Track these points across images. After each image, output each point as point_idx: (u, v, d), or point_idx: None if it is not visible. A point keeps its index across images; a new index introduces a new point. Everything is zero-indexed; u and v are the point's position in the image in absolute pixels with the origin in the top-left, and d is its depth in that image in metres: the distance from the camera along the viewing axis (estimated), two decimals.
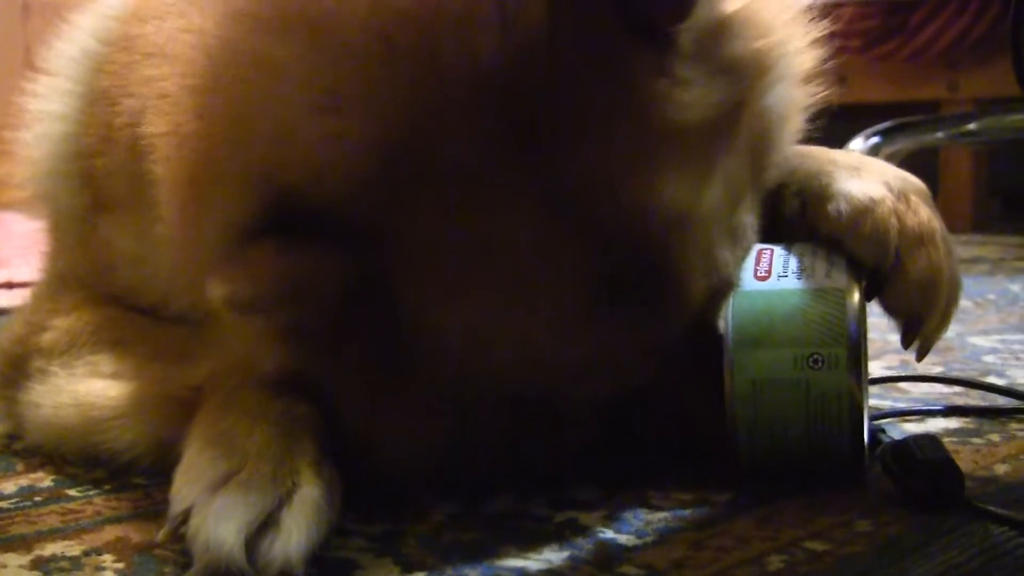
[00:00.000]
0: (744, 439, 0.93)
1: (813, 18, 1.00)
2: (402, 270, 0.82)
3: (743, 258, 0.94)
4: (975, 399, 1.27)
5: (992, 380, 1.36)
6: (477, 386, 0.87)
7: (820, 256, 0.95)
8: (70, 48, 1.17)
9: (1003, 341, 1.68)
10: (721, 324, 0.94)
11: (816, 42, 1.00)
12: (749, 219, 0.94)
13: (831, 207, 0.97)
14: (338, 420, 0.90)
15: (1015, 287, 2.33)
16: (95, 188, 1.10)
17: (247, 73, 0.82)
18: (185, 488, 0.83)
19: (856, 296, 0.92)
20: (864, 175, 1.00)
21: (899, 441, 0.94)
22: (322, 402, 0.91)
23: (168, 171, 0.88)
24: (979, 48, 3.55)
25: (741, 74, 0.87)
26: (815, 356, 0.91)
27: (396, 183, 0.79)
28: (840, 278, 0.93)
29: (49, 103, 1.17)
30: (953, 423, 1.18)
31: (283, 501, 0.81)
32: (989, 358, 1.55)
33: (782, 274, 0.94)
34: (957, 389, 1.31)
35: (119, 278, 1.10)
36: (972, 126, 3.06)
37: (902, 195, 0.98)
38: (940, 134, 3.09)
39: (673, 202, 0.83)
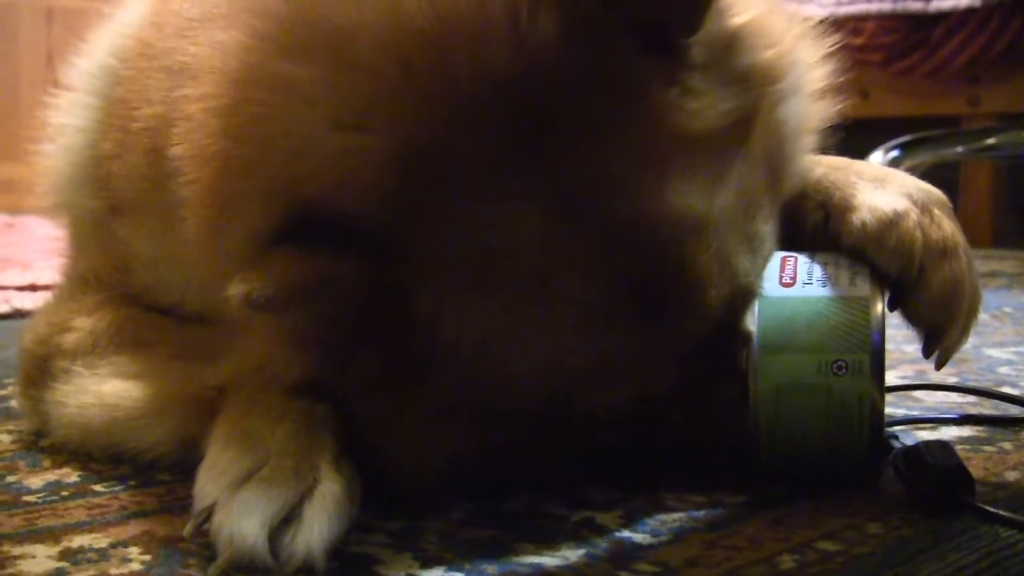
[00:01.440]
0: (765, 442, 0.94)
1: (825, 32, 1.02)
2: (417, 278, 0.83)
3: (763, 266, 0.95)
4: (988, 409, 1.28)
5: (1006, 391, 1.37)
6: (493, 396, 0.87)
7: (843, 265, 0.97)
8: (88, 64, 1.21)
9: (1018, 353, 1.69)
10: (748, 328, 0.95)
11: (829, 55, 1.02)
12: (768, 228, 0.95)
13: (855, 218, 0.99)
14: (355, 426, 0.92)
15: None
16: (112, 192, 1.11)
17: (269, 95, 0.84)
18: (209, 485, 0.85)
19: (879, 305, 0.94)
20: (888, 187, 1.01)
21: (911, 446, 0.95)
22: (340, 406, 0.92)
23: (193, 191, 0.89)
24: (1000, 63, 3.54)
25: (751, 83, 0.88)
26: (839, 362, 0.92)
27: (412, 194, 0.81)
28: (864, 287, 0.95)
29: (69, 117, 1.20)
30: (966, 431, 1.19)
31: (304, 496, 0.83)
32: (1004, 369, 1.56)
33: (807, 281, 0.95)
34: (971, 399, 1.32)
35: (136, 279, 1.12)
36: (992, 140, 3.06)
37: (926, 208, 0.99)
38: (960, 148, 3.09)
39: (685, 208, 0.84)
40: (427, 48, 0.80)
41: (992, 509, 0.90)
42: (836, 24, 1.04)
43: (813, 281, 0.95)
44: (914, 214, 0.98)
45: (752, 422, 0.94)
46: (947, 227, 0.99)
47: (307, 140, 0.82)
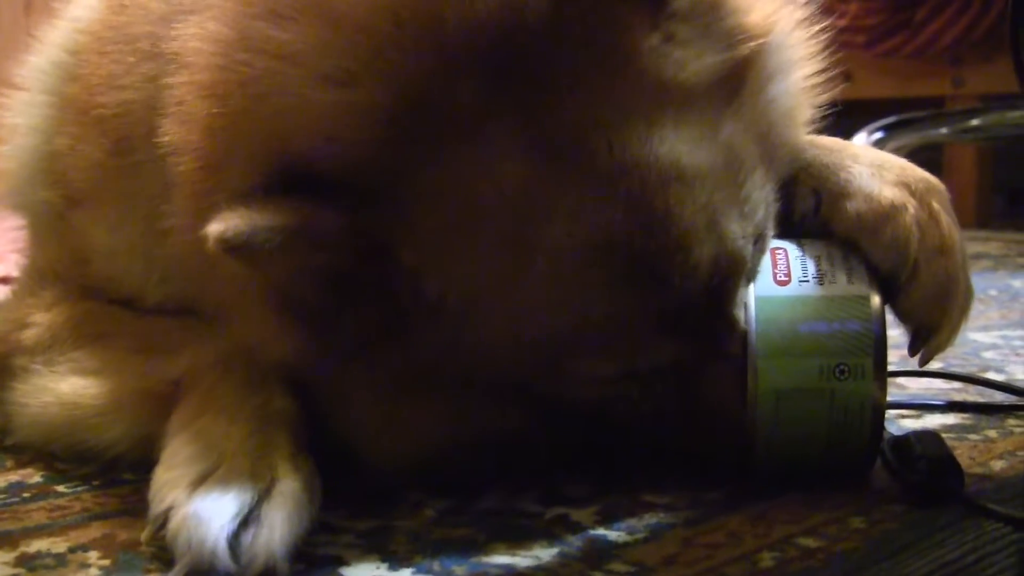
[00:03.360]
0: (762, 446, 0.91)
1: (813, 15, 1.00)
2: (402, 230, 0.82)
3: (755, 235, 0.90)
4: (974, 395, 1.26)
5: (991, 376, 1.35)
6: (475, 362, 0.86)
7: (837, 258, 0.93)
8: (40, 61, 1.19)
9: (1004, 337, 1.67)
10: (740, 316, 0.91)
11: (818, 38, 1.00)
12: (761, 196, 0.91)
13: (850, 207, 0.95)
14: (330, 415, 0.90)
15: (1017, 283, 2.32)
16: (69, 185, 1.10)
17: (257, 58, 0.83)
18: (164, 488, 0.83)
19: (877, 302, 0.91)
20: (886, 175, 0.98)
21: (900, 436, 0.93)
22: (314, 395, 0.91)
23: (183, 161, 0.88)
24: (984, 44, 3.54)
25: (737, 41, 0.87)
26: (841, 366, 0.89)
27: (399, 146, 0.81)
28: (861, 284, 0.92)
29: (22, 116, 1.18)
30: (951, 419, 1.17)
31: (263, 496, 0.81)
32: (989, 354, 1.54)
33: (803, 279, 0.92)
34: (956, 385, 1.30)
35: (95, 271, 1.10)
36: (976, 121, 3.05)
37: (924, 201, 0.96)
38: (944, 130, 3.08)
39: (671, 159, 0.83)
40: (416, 2, 0.80)
41: (980, 502, 0.87)
42: (819, 5, 1.01)
43: (809, 278, 0.92)
44: (912, 207, 0.95)
45: (750, 426, 0.90)
46: (944, 223, 0.96)
47: (295, 97, 0.82)
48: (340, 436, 0.91)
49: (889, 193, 0.95)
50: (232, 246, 0.77)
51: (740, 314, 0.90)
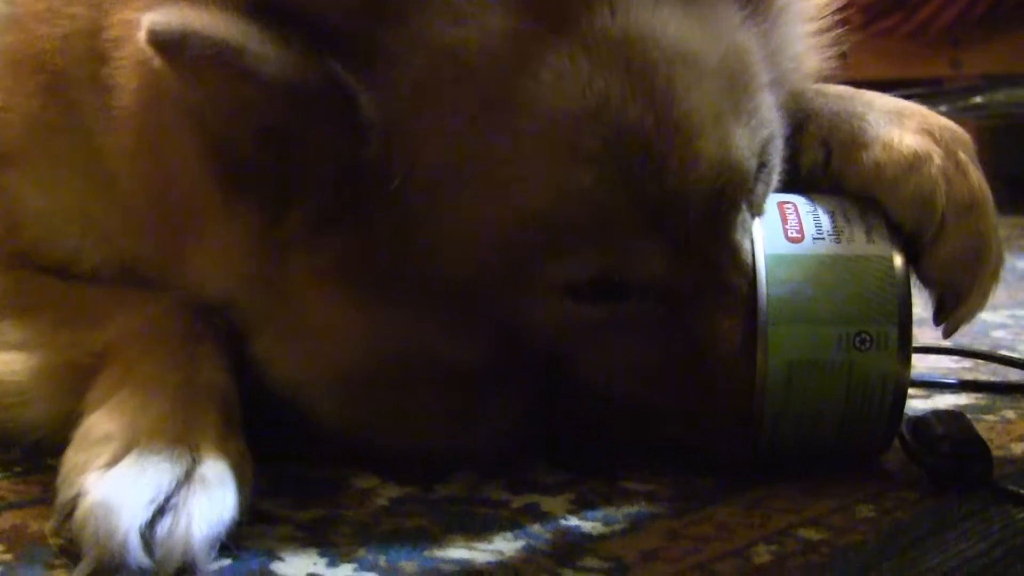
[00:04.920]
0: (769, 425, 0.81)
1: None
2: (370, 84, 0.75)
3: (760, 157, 0.82)
4: (986, 375, 1.18)
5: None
6: (439, 256, 0.78)
7: (853, 214, 0.84)
8: None
9: (1014, 316, 1.60)
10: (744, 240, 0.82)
11: None
12: (770, 116, 0.84)
13: (867, 157, 0.87)
14: (270, 359, 0.83)
15: (1022, 264, 2.24)
16: (1, 143, 1.02)
17: None
18: (73, 472, 0.76)
19: (901, 263, 0.81)
20: (907, 122, 0.89)
21: (920, 416, 0.85)
22: (253, 340, 0.84)
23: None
24: (983, 25, 3.48)
25: None
26: (862, 335, 0.80)
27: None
28: (883, 243, 0.82)
29: None
30: (964, 399, 1.09)
31: (182, 481, 0.73)
32: (999, 333, 1.46)
33: (816, 236, 0.82)
34: (966, 363, 1.21)
35: (26, 235, 1.02)
36: (978, 99, 2.98)
37: (950, 151, 0.87)
38: (944, 107, 3.00)
39: (677, 37, 0.77)
40: None
41: (1009, 487, 0.79)
42: None
43: (824, 235, 0.82)
44: (937, 157, 0.86)
45: (757, 402, 0.80)
46: (973, 176, 0.87)
47: None
48: (280, 383, 0.84)
49: (911, 141, 0.86)
50: (162, 40, 0.71)
51: (745, 243, 0.81)
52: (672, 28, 0.77)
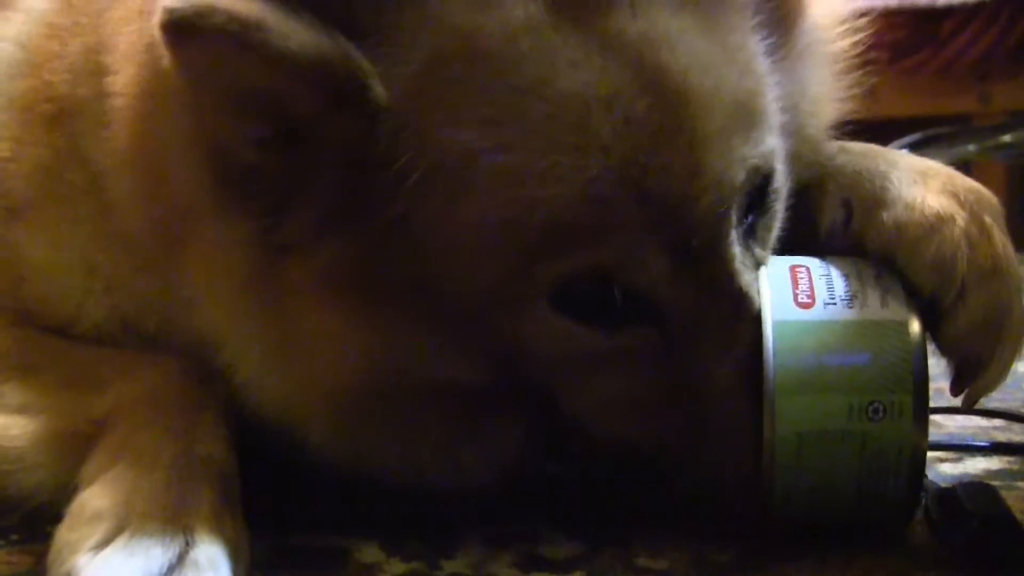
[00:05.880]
0: (779, 495, 0.78)
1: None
2: (382, 66, 0.74)
3: (761, 180, 0.80)
4: (1020, 435, 1.14)
5: None
6: (438, 262, 0.76)
7: (868, 277, 0.81)
8: None
9: None
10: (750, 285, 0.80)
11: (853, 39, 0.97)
12: (772, 140, 0.81)
13: (887, 217, 0.83)
14: (263, 385, 0.82)
15: None
16: (7, 195, 1.02)
17: None
18: (64, 551, 0.74)
19: (917, 329, 0.78)
20: (931, 182, 0.86)
21: (946, 489, 0.82)
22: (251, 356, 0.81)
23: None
24: (1012, 59, 3.45)
25: None
26: (875, 405, 0.76)
27: None
28: (899, 308, 0.79)
29: None
30: (995, 463, 1.04)
31: (174, 565, 0.71)
32: None
33: (828, 301, 0.79)
34: (998, 423, 1.17)
35: (29, 290, 1.01)
36: (1007, 138, 2.95)
37: (975, 214, 0.83)
38: (972, 147, 2.97)
39: (696, 47, 0.77)
40: None
41: None
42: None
43: (836, 300, 0.79)
44: (960, 219, 0.82)
45: (766, 473, 0.77)
46: (998, 240, 0.83)
47: None
48: (271, 407, 0.82)
49: (934, 202, 0.83)
50: (179, 17, 0.69)
51: (745, 275, 0.79)
52: (689, 38, 0.76)
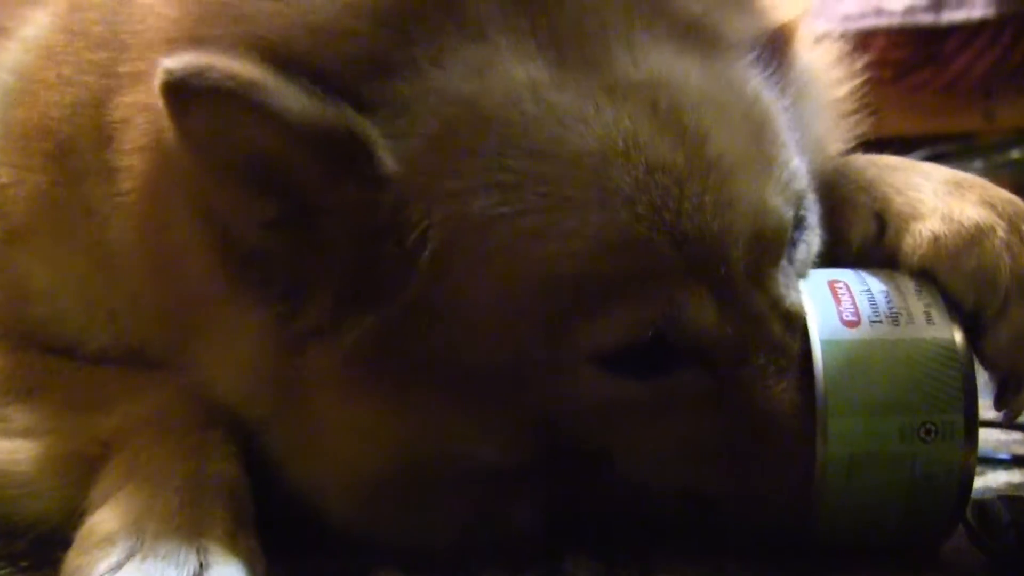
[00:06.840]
0: (827, 515, 0.77)
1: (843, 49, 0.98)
2: (390, 136, 0.73)
3: (795, 207, 0.79)
4: None
5: None
6: (461, 330, 0.74)
7: (908, 291, 0.79)
8: None
9: None
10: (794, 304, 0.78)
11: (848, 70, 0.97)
12: (795, 159, 0.80)
13: (924, 230, 0.82)
14: (286, 460, 0.80)
15: None
16: (7, 219, 1.01)
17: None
18: (76, 574, 0.72)
19: (963, 345, 0.77)
20: (967, 193, 0.84)
21: (984, 500, 0.82)
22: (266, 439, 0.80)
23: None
24: (1016, 77, 3.44)
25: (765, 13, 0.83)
26: (927, 425, 0.75)
27: (397, 42, 0.74)
28: (944, 324, 0.78)
29: None
30: (1017, 476, 1.03)
31: None
32: None
33: (874, 318, 0.78)
34: (1016, 436, 1.16)
35: (32, 313, 1.00)
36: (1015, 154, 2.94)
37: (1014, 225, 0.82)
38: (979, 163, 2.96)
39: (702, 86, 0.76)
40: None
41: None
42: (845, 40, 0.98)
43: (881, 317, 0.77)
44: (1001, 230, 0.81)
45: (816, 492, 0.76)
46: None
47: None
48: (294, 483, 0.80)
49: (972, 213, 0.82)
50: (179, 77, 0.69)
51: (791, 296, 0.78)
52: (695, 76, 0.76)
